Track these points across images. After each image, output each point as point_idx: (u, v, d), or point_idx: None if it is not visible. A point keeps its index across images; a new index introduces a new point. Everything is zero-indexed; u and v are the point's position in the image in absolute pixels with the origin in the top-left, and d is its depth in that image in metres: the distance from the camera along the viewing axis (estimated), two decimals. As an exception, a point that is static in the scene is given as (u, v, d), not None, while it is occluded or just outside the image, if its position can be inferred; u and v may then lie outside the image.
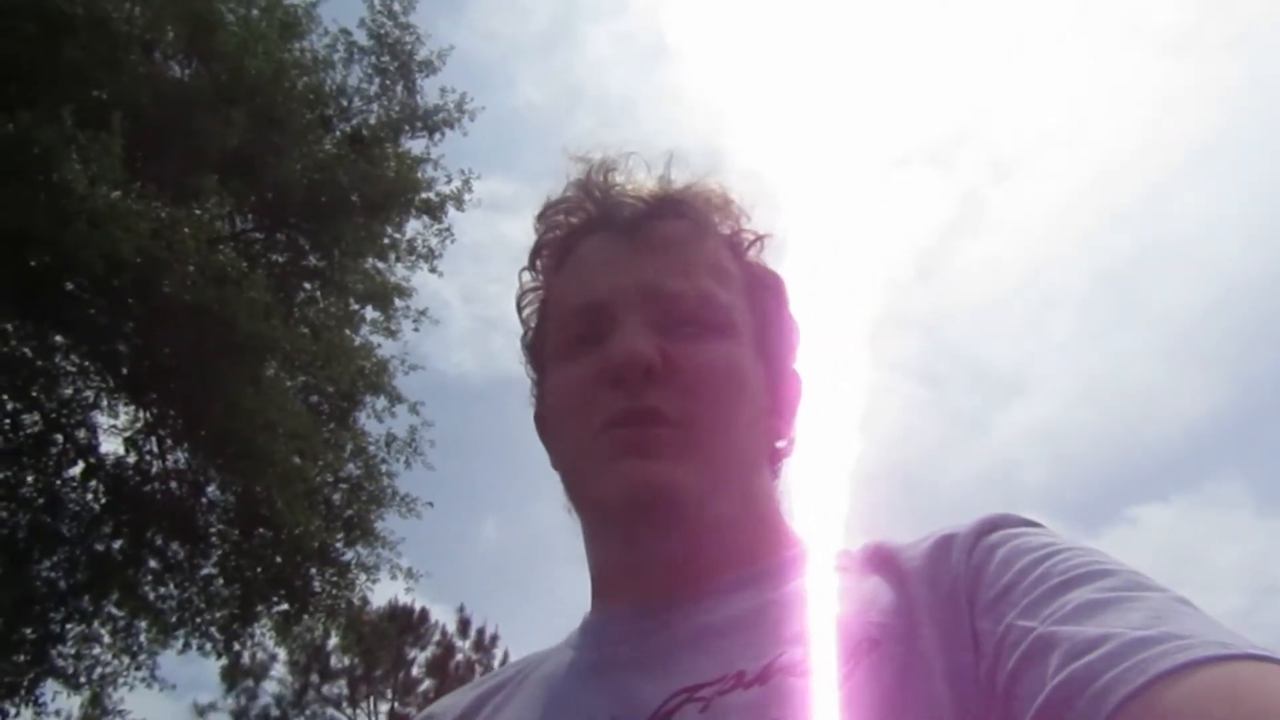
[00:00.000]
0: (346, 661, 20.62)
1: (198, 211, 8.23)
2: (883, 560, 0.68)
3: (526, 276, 0.88)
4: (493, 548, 34.16)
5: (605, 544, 0.79)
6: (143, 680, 10.02)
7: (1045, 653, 0.50)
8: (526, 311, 0.88)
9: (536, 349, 0.86)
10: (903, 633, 0.60)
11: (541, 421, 0.87)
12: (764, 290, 0.83)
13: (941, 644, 0.58)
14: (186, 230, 7.86)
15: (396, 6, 10.92)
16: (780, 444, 0.84)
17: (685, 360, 0.73)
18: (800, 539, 0.80)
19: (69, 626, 9.65)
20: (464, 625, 21.99)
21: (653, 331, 0.73)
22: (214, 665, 13.29)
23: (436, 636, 21.82)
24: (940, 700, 0.56)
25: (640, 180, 0.83)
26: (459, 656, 21.70)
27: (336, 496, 10.18)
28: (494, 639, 21.95)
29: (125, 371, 9.52)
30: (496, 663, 21.65)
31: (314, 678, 20.68)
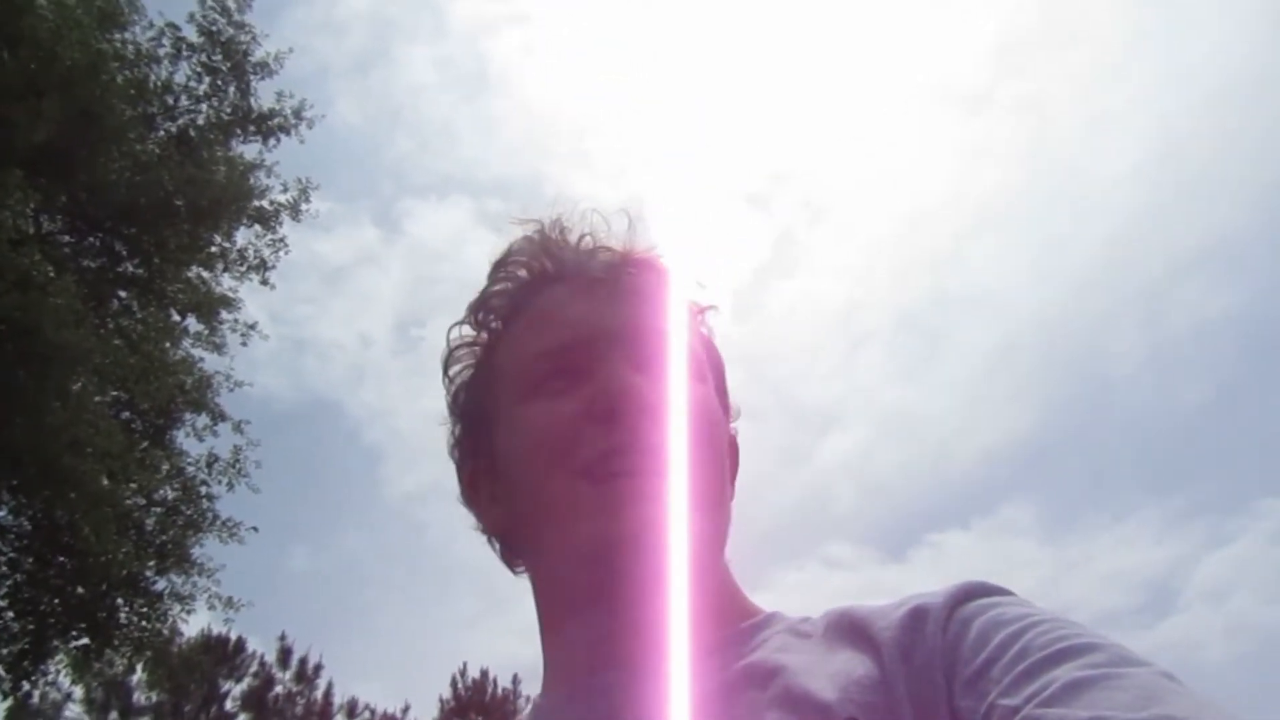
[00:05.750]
0: (153, 697, 19.18)
1: (-2, 209, 7.54)
2: (851, 630, 0.65)
3: (457, 333, 0.83)
4: (303, 577, 32.75)
5: (579, 594, 0.70)
6: (-88, 727, 9.01)
7: None
8: (458, 367, 0.83)
9: (475, 403, 0.81)
10: (882, 711, 0.57)
11: (474, 486, 0.80)
12: (712, 353, 0.83)
13: None
14: (-16, 229, 7.18)
15: (231, 3, 10.43)
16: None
17: (676, 399, 0.71)
18: (756, 605, 0.77)
19: None
20: (285, 655, 20.88)
21: (638, 371, 0.71)
22: (-2, 707, 12.04)
23: (254, 667, 20.62)
24: None
25: (603, 237, 0.81)
26: (279, 689, 20.58)
27: (149, 521, 9.51)
28: (318, 669, 20.95)
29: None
30: (319, 694, 20.69)
31: (114, 716, 19.11)
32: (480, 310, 0.82)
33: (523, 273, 0.81)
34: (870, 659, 0.61)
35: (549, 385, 0.73)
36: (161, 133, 10.24)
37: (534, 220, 0.82)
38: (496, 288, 0.81)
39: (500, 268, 0.82)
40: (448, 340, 0.83)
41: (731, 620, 0.72)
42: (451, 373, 0.83)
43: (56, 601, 9.08)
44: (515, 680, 20.72)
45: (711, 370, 0.80)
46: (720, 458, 0.74)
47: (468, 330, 0.83)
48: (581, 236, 0.80)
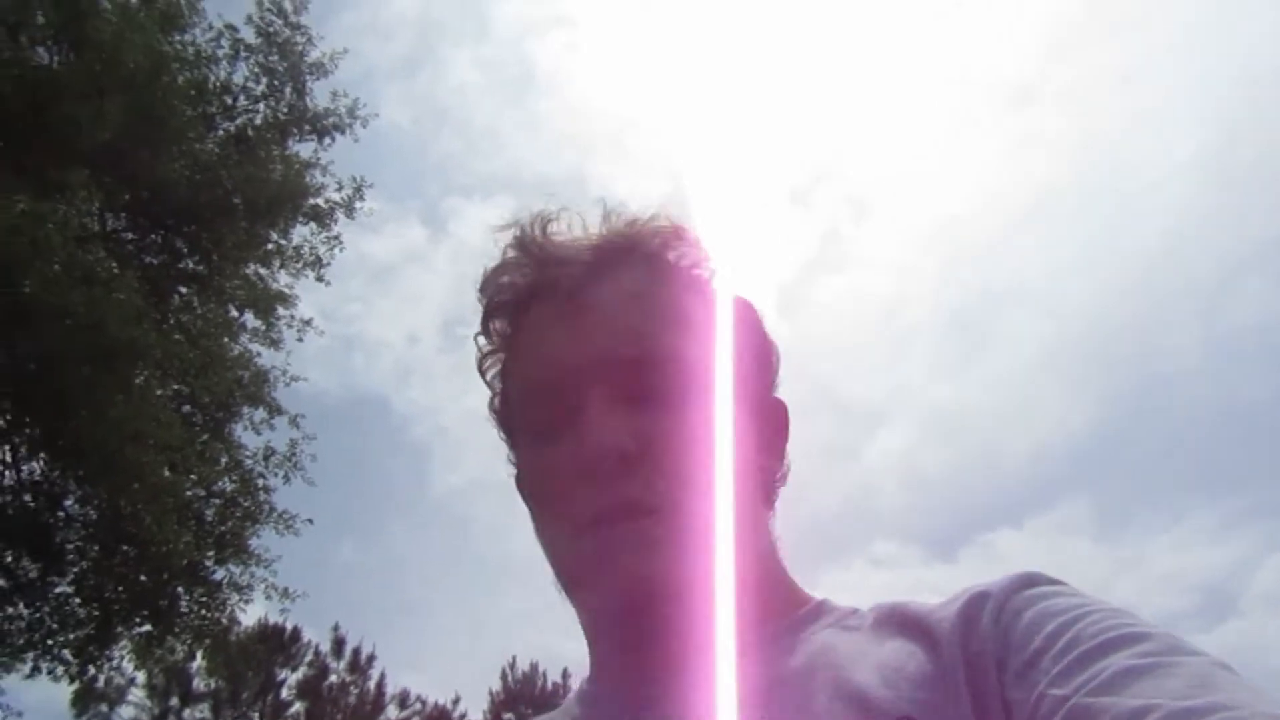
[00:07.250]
0: (211, 684, 19.64)
1: (64, 207, 7.75)
2: (905, 624, 0.64)
3: (482, 341, 0.81)
4: (353, 570, 33.32)
5: (605, 638, 0.73)
6: (-16, 708, 9.33)
7: None
8: (489, 375, 0.82)
9: (505, 415, 0.81)
10: (936, 706, 0.56)
11: (522, 484, 0.80)
12: (735, 323, 0.76)
13: (977, 716, 0.55)
14: (51, 226, 7.38)
15: (288, 5, 10.60)
16: (775, 478, 0.79)
17: (660, 436, 0.67)
18: (804, 592, 0.75)
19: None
20: (339, 645, 21.25)
21: (621, 405, 0.68)
22: (65, 690, 12.43)
23: (309, 657, 21.02)
24: None
25: (579, 233, 0.77)
26: (333, 678, 20.95)
27: (209, 512, 9.71)
28: (370, 659, 21.29)
29: (-24, 375, 8.86)
30: (372, 684, 21.01)
31: (174, 701, 19.61)
32: (489, 322, 0.80)
33: (507, 280, 0.78)
34: (925, 652, 0.60)
35: (542, 427, 0.72)
36: (220, 132, 10.46)
37: (514, 225, 0.78)
38: (497, 300, 0.79)
39: (490, 282, 0.79)
40: (478, 345, 0.82)
41: (779, 613, 0.71)
42: (488, 379, 0.82)
43: (121, 589, 9.31)
44: (565, 675, 20.83)
45: (727, 342, 0.74)
46: (730, 468, 0.69)
47: (484, 341, 0.82)
48: (554, 238, 0.77)
